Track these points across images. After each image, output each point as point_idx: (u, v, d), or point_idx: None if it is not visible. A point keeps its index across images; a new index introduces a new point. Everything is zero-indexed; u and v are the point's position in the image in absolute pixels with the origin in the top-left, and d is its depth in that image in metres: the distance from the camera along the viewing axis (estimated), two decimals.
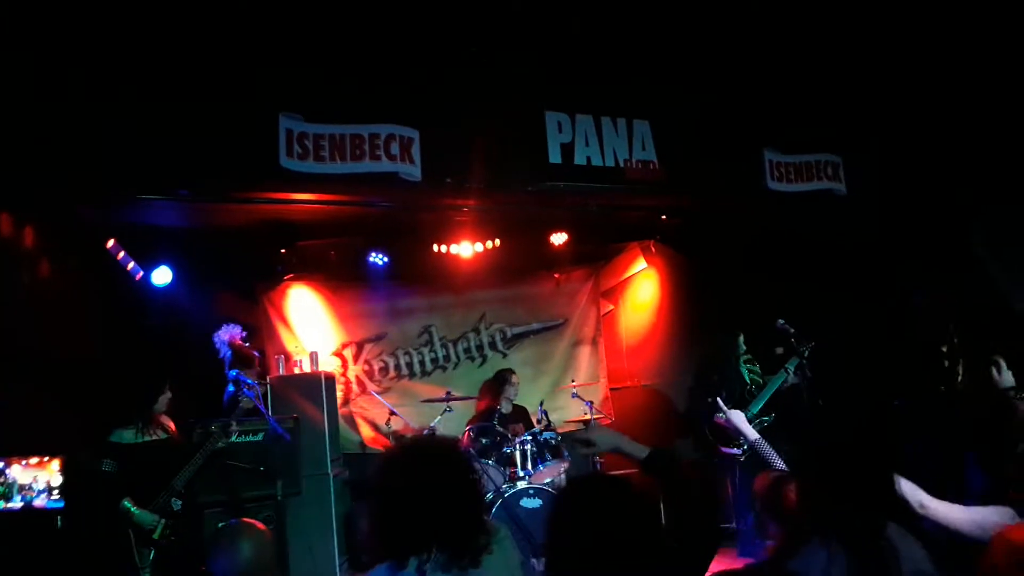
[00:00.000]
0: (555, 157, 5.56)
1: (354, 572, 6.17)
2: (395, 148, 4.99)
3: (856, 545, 2.03)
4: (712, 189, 6.16)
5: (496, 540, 2.17)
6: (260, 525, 2.62)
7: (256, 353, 5.91)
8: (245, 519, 2.70)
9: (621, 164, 5.80)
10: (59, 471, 4.62)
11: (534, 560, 5.53)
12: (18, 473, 4.59)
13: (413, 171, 5.08)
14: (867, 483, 2.20)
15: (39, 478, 4.62)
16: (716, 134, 6.08)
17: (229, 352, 5.77)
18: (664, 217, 7.14)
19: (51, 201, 4.75)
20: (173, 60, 4.54)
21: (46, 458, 4.61)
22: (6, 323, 4.63)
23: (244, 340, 6.02)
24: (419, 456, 2.20)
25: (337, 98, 4.92)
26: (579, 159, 5.64)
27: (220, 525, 3.02)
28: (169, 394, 4.80)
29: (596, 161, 5.71)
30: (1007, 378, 4.09)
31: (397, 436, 6.52)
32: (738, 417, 3.82)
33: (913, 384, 5.87)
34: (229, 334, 5.93)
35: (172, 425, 4.83)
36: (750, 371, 6.30)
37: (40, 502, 4.58)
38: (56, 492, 4.59)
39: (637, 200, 6.33)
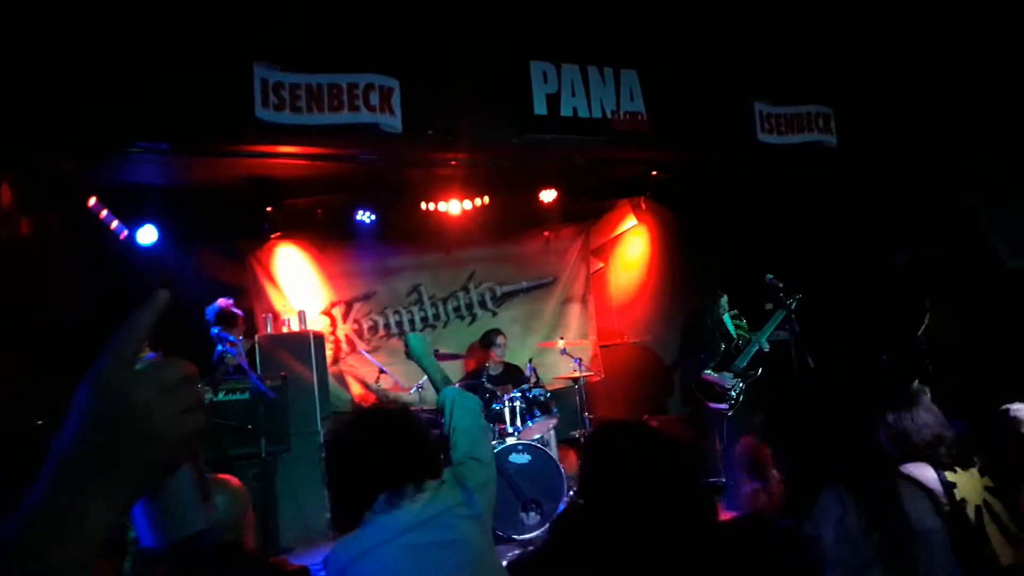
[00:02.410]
0: (540, 108, 5.44)
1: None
2: (374, 98, 4.88)
3: (864, 493, 2.01)
4: (702, 141, 6.07)
5: (465, 492, 2.16)
6: (235, 481, 2.59)
7: (239, 313, 5.85)
8: (219, 475, 2.66)
9: (608, 115, 5.69)
10: None
11: (523, 514, 5.57)
12: None
13: (393, 122, 4.97)
14: (851, 431, 2.19)
15: None
16: (706, 84, 5.97)
17: (214, 312, 5.73)
18: (654, 173, 7.06)
19: (27, 154, 4.66)
20: (146, 7, 4.42)
21: None
22: None
23: (233, 305, 5.99)
24: (357, 423, 2.25)
25: (314, 47, 4.80)
26: (565, 110, 5.53)
27: None
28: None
29: (583, 112, 5.59)
30: None
31: (386, 394, 6.52)
32: None
33: (897, 339, 5.87)
34: (219, 301, 5.90)
35: None
36: (737, 327, 6.28)
37: None
38: None
39: (625, 153, 6.24)
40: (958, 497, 2.59)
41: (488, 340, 6.94)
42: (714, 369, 6.07)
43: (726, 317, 6.28)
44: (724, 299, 6.35)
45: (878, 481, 2.06)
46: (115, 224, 5.81)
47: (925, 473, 2.61)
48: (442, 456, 2.33)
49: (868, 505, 1.99)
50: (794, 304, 5.81)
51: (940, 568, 1.97)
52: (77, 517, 0.72)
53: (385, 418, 2.22)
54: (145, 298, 0.81)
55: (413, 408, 2.38)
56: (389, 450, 2.12)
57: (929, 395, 2.86)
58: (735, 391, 5.96)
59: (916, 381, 4.62)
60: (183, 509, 0.83)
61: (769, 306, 6.21)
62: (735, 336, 6.19)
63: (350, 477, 2.12)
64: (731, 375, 6.01)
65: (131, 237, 5.91)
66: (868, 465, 2.12)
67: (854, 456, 2.12)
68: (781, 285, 5.88)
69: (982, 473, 2.69)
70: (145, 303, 0.81)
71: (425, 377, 6.44)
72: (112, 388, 0.75)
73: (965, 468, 2.68)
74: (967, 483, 2.63)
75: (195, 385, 0.80)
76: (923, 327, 5.97)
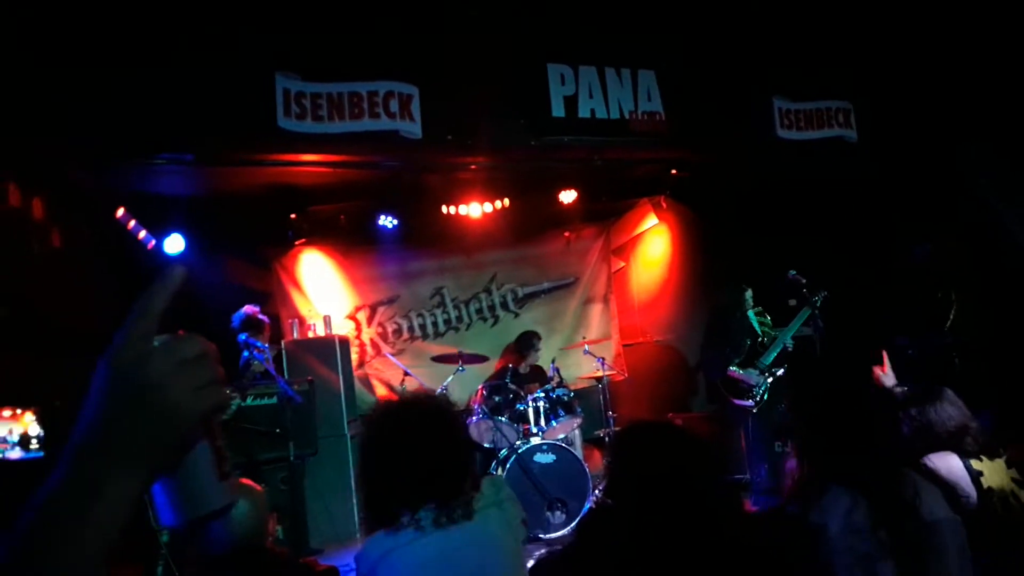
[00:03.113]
0: (558, 111, 5.45)
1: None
2: (394, 105, 4.94)
3: (875, 491, 2.02)
4: (720, 139, 6.04)
5: (497, 500, 2.16)
6: (256, 486, 2.62)
7: (266, 319, 5.94)
8: (241, 479, 2.65)
9: (626, 116, 5.70)
10: (36, 422, 4.51)
11: (548, 513, 5.60)
12: None
13: (413, 128, 5.02)
14: (870, 428, 2.19)
15: (13, 430, 4.53)
16: (723, 82, 5.94)
17: (240, 319, 5.82)
18: (674, 171, 7.04)
19: (56, 169, 4.77)
20: (169, 21, 4.51)
21: (19, 410, 4.53)
22: (18, 294, 4.69)
23: (259, 312, 6.08)
24: (398, 415, 2.21)
25: (334, 56, 4.86)
26: (583, 112, 5.54)
27: None
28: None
29: (600, 114, 5.60)
30: None
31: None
32: None
33: (919, 324, 5.83)
34: (245, 308, 5.99)
35: None
36: (761, 323, 6.25)
37: (14, 455, 4.49)
38: (35, 443, 4.56)
39: (644, 153, 6.23)
40: (985, 486, 2.59)
41: (527, 343, 6.95)
42: (739, 366, 6.06)
43: (750, 313, 6.26)
44: (749, 294, 6.33)
45: (887, 474, 2.07)
46: (143, 234, 5.93)
47: (950, 462, 2.61)
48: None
49: (876, 499, 2.00)
50: (819, 301, 5.78)
51: (953, 558, 1.98)
52: (93, 501, 0.71)
53: (428, 415, 2.18)
54: (159, 276, 0.80)
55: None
56: (433, 450, 2.10)
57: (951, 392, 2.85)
58: (760, 388, 5.93)
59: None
60: (201, 486, 0.82)
61: (792, 302, 6.19)
62: (759, 332, 6.17)
63: (387, 477, 2.09)
64: (756, 372, 5.98)
65: (159, 246, 6.02)
66: (880, 458, 2.12)
67: (868, 449, 2.13)
68: (804, 281, 5.86)
69: (1008, 465, 2.69)
70: (160, 280, 0.80)
71: (451, 378, 6.54)
72: (128, 364, 0.74)
73: (991, 458, 2.68)
74: (994, 472, 2.63)
75: (213, 361, 0.79)
76: (949, 320, 5.92)
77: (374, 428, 2.21)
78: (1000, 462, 2.68)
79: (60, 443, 4.50)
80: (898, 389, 3.66)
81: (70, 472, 0.72)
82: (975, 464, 2.62)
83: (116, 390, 0.74)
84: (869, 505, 2.00)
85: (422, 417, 2.18)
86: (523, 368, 6.87)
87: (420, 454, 2.08)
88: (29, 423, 4.54)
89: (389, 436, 2.15)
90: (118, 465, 0.73)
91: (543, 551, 5.10)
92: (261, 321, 5.83)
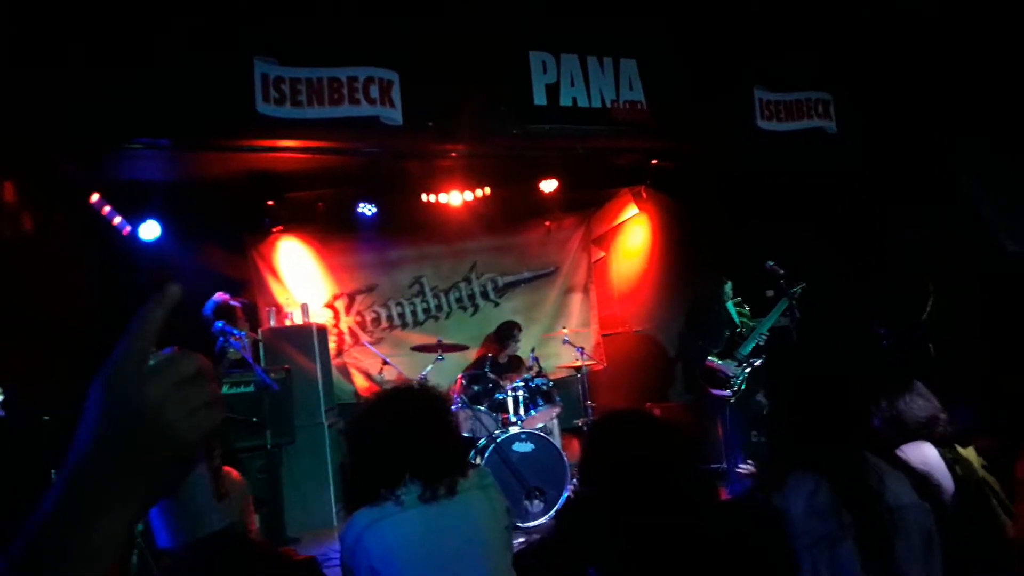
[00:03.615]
0: (540, 99, 5.43)
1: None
2: (374, 91, 4.88)
3: (838, 475, 2.04)
4: (701, 129, 6.05)
5: (482, 484, 2.23)
6: (234, 473, 2.61)
7: (236, 303, 5.86)
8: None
9: (608, 105, 5.69)
10: None
11: (527, 502, 5.61)
12: None
13: (394, 115, 4.98)
14: (841, 414, 2.21)
15: None
16: (705, 72, 5.94)
17: (212, 307, 5.76)
18: (655, 161, 7.06)
19: (30, 153, 4.68)
20: (147, 5, 4.43)
21: None
22: None
23: (232, 298, 6.01)
24: (387, 400, 2.32)
25: (313, 40, 4.80)
26: (565, 100, 5.51)
27: None
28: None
29: (582, 102, 5.57)
30: None
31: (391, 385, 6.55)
32: None
33: (896, 314, 5.89)
34: (217, 295, 5.93)
35: None
36: (740, 314, 6.29)
37: None
38: None
39: (625, 142, 6.24)
40: (960, 473, 2.63)
41: (507, 333, 6.95)
42: (717, 356, 6.09)
43: (729, 304, 6.29)
44: (728, 286, 6.36)
45: (851, 460, 2.09)
46: (118, 220, 5.84)
47: (925, 451, 2.65)
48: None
49: (839, 483, 2.02)
50: (798, 292, 5.83)
51: (918, 542, 2.00)
52: (90, 527, 0.68)
53: (420, 400, 2.30)
54: (155, 293, 0.78)
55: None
56: (422, 433, 2.19)
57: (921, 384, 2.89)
58: (738, 378, 5.97)
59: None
60: (199, 509, 0.80)
61: (770, 293, 6.23)
62: (738, 323, 6.20)
63: (378, 455, 2.18)
64: (734, 363, 6.02)
65: (134, 233, 5.94)
66: (847, 445, 2.15)
67: (836, 436, 2.15)
68: (782, 272, 5.89)
69: (979, 453, 2.73)
70: (155, 298, 0.77)
71: (430, 367, 6.55)
72: (123, 386, 0.72)
73: (964, 447, 2.72)
74: (967, 462, 2.67)
75: (210, 380, 0.77)
76: (926, 311, 5.98)
77: (366, 410, 2.32)
78: (971, 450, 2.73)
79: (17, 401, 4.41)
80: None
81: (64, 499, 0.69)
82: (948, 454, 2.66)
83: (112, 412, 0.72)
84: (832, 488, 2.01)
85: (412, 400, 2.29)
86: (502, 358, 6.87)
87: (407, 433, 2.17)
88: None
89: (379, 416, 2.25)
90: (114, 491, 0.70)
91: (522, 539, 5.14)
92: (233, 307, 5.76)
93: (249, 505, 2.52)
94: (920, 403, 2.78)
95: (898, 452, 2.30)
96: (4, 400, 4.43)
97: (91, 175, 5.51)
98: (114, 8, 4.36)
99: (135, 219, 5.93)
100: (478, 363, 6.79)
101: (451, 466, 2.19)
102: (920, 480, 2.14)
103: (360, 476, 2.21)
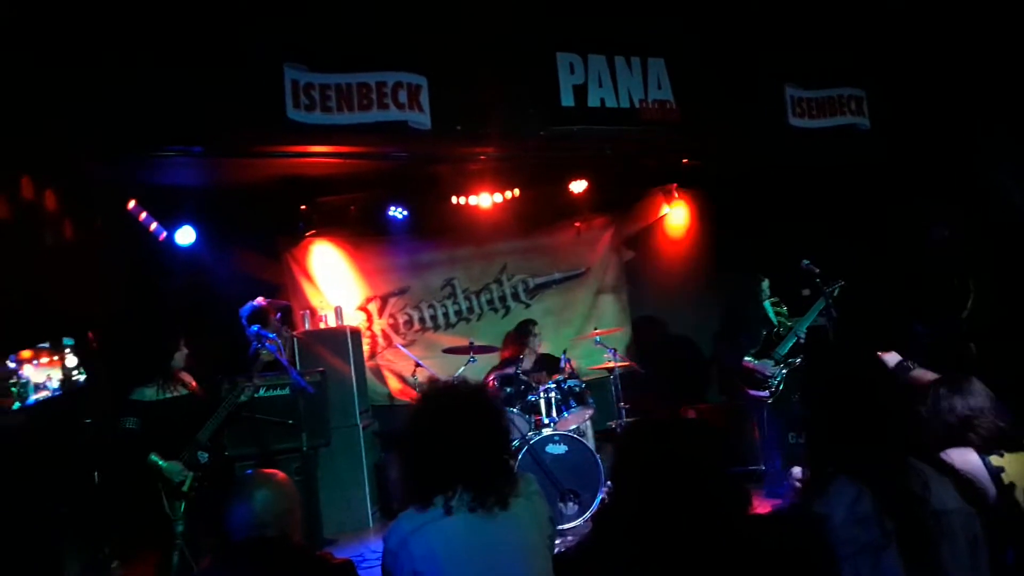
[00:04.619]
0: (568, 100, 5.41)
1: (386, 520, 6.29)
2: (403, 96, 4.91)
3: (880, 481, 2.01)
4: (732, 127, 5.99)
5: (527, 492, 2.23)
6: (280, 475, 2.60)
7: (266, 303, 5.92)
8: (264, 469, 2.67)
9: (637, 105, 5.65)
10: (73, 353, 4.64)
11: (561, 504, 5.60)
12: (31, 372, 4.58)
13: (423, 119, 5.00)
14: (877, 414, 2.17)
15: (52, 376, 4.67)
16: (734, 70, 5.88)
17: (248, 312, 5.83)
18: (685, 160, 6.99)
19: (68, 161, 4.78)
20: (178, 14, 4.50)
21: (55, 357, 4.63)
22: (30, 286, 4.71)
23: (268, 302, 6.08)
24: (445, 400, 2.30)
25: (342, 46, 4.84)
26: (593, 101, 5.49)
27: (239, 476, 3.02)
28: (185, 350, 4.85)
29: (610, 103, 5.54)
30: None
31: (423, 387, 6.58)
32: None
33: (936, 313, 5.77)
34: (258, 300, 6.00)
35: (193, 381, 4.89)
36: (777, 313, 6.20)
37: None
38: (76, 373, 4.64)
39: (655, 142, 6.18)
40: (1006, 481, 2.55)
41: (524, 329, 6.95)
42: (755, 356, 6.01)
43: (767, 303, 6.20)
44: (765, 284, 6.27)
45: (894, 464, 2.04)
46: (154, 226, 5.95)
47: (968, 458, 2.57)
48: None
49: (881, 488, 1.98)
50: (836, 291, 5.73)
51: (965, 548, 1.95)
52: None
53: (473, 402, 2.28)
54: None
55: None
56: (480, 448, 2.18)
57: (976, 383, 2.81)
58: (776, 379, 5.88)
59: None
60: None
61: (806, 292, 6.13)
62: (775, 323, 6.11)
63: (428, 458, 2.18)
64: (772, 362, 5.93)
65: (170, 238, 6.05)
66: (888, 448, 2.10)
67: (876, 439, 2.11)
68: (817, 271, 5.78)
69: None
70: None
71: (462, 369, 6.57)
72: None
73: (1012, 451, 2.63)
74: (1015, 467, 2.59)
75: None
76: (967, 308, 5.85)
77: (421, 410, 2.30)
78: (1021, 455, 2.64)
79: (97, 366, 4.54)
80: (907, 364, 3.65)
81: None
82: (995, 460, 2.58)
83: None
84: (874, 495, 1.98)
85: (467, 403, 2.27)
86: (524, 355, 6.83)
87: (462, 438, 2.17)
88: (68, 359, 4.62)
89: (434, 418, 2.24)
90: None
91: (557, 543, 5.11)
92: (267, 312, 5.83)
93: (296, 512, 2.54)
94: (956, 403, 2.71)
95: (943, 456, 2.25)
96: (64, 380, 4.56)
97: (127, 183, 5.62)
98: (148, 17, 4.44)
99: (171, 225, 6.04)
100: (507, 364, 6.78)
101: (505, 480, 2.19)
102: (965, 484, 2.09)
103: (415, 475, 2.21)
